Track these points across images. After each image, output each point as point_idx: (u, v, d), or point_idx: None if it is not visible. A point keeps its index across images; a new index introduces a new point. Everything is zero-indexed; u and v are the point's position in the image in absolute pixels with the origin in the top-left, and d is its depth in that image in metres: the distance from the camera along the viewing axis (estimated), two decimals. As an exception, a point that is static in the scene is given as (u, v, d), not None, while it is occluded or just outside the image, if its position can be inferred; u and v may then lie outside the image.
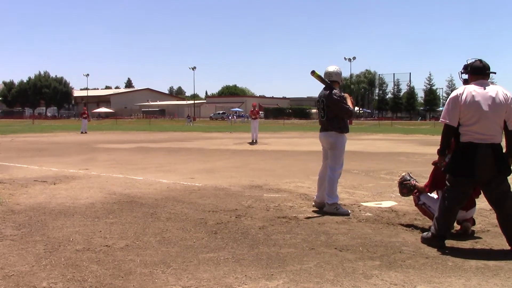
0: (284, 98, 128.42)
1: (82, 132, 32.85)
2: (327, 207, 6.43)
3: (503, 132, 4.74)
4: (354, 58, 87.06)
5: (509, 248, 4.72)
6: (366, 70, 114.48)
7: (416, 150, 18.13)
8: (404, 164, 12.52)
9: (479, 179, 4.75)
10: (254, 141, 22.05)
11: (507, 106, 4.65)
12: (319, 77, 6.65)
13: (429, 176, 5.74)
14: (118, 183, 8.96)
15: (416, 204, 5.74)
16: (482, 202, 6.35)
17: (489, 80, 4.90)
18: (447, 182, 4.91)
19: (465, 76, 4.97)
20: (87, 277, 3.87)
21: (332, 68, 6.88)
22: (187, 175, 10.26)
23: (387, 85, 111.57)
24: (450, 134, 4.81)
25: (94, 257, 4.38)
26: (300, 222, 5.85)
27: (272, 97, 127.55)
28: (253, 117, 22.94)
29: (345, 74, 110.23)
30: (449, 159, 4.90)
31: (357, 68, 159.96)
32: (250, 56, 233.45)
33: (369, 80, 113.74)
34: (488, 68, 4.84)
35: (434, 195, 5.62)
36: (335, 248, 4.73)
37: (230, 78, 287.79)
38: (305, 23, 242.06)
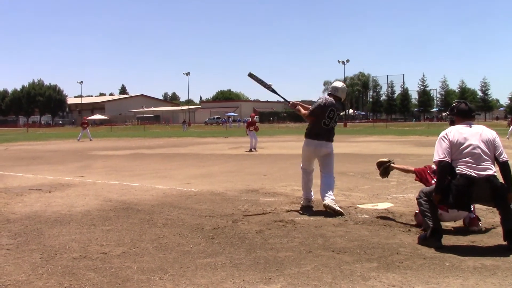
0: (278, 102, 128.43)
1: (78, 140, 32.81)
2: (329, 201, 6.49)
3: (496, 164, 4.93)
4: (347, 60, 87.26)
5: (505, 243, 4.78)
6: (360, 72, 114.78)
7: (411, 151, 18.19)
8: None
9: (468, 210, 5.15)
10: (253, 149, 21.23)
11: (493, 141, 4.92)
12: (256, 79, 7.14)
13: (421, 168, 5.90)
14: (114, 190, 8.94)
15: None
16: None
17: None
18: (433, 199, 4.98)
19: (452, 118, 5.25)
20: (84, 285, 3.85)
21: (339, 84, 7.06)
22: (183, 180, 10.24)
23: (381, 87, 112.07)
24: (445, 170, 4.89)
25: (91, 265, 4.36)
26: (297, 225, 5.85)
27: (267, 101, 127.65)
28: (251, 128, 21.84)
29: (339, 76, 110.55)
30: (444, 191, 4.92)
31: (351, 71, 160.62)
32: (244, 61, 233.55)
33: (363, 83, 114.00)
34: (474, 110, 5.22)
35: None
36: (333, 251, 4.72)
37: (225, 83, 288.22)
38: (298, 27, 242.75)
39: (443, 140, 4.97)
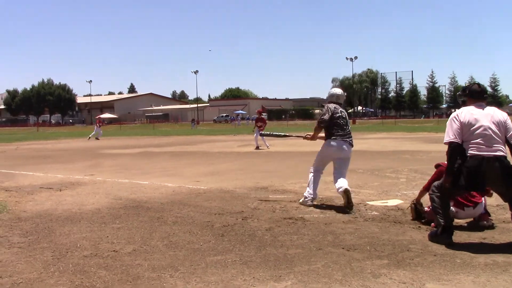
0: (287, 99, 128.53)
1: (96, 138, 33.02)
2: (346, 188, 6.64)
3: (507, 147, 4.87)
4: (355, 57, 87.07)
5: None
6: (368, 69, 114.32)
7: (421, 148, 18.10)
8: (409, 162, 12.48)
9: (496, 192, 4.96)
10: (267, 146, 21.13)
11: (505, 123, 4.87)
12: (270, 135, 8.20)
13: (428, 179, 5.83)
14: (124, 188, 8.98)
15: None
16: (489, 199, 6.33)
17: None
18: (444, 184, 4.93)
19: (464, 99, 5.14)
20: (96, 282, 3.87)
21: (339, 91, 7.37)
22: (192, 178, 10.27)
23: (389, 83, 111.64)
24: (456, 152, 4.84)
25: (102, 263, 4.39)
26: (307, 222, 5.84)
27: (275, 99, 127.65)
28: (259, 124, 21.65)
29: (347, 73, 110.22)
30: (456, 173, 4.85)
31: (359, 68, 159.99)
32: (252, 58, 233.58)
33: (372, 79, 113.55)
34: (486, 91, 5.12)
35: None
36: (343, 248, 4.72)
37: (233, 80, 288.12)
38: (306, 24, 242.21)
39: (454, 121, 4.89)
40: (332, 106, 7.05)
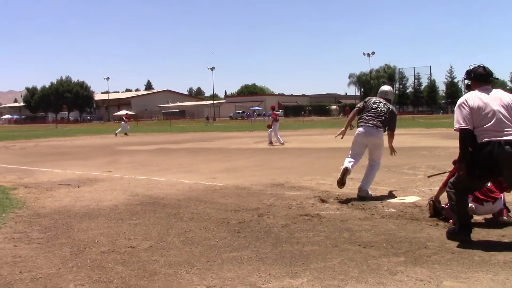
0: (303, 95, 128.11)
1: (125, 134, 33.58)
2: (364, 192, 7.22)
3: None
4: (373, 53, 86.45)
5: None
6: (386, 64, 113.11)
7: (439, 144, 17.90)
8: (427, 159, 12.35)
9: (506, 178, 4.76)
10: (281, 142, 21.13)
11: None
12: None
13: (447, 176, 5.76)
14: (141, 184, 9.04)
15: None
16: (508, 195, 6.24)
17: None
18: (459, 178, 4.84)
19: (468, 82, 5.00)
20: (113, 278, 3.91)
21: (388, 88, 8.02)
22: (208, 175, 10.30)
23: (407, 79, 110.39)
24: (467, 138, 4.74)
25: (119, 259, 4.43)
26: (323, 219, 5.83)
27: (291, 95, 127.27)
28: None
29: (364, 69, 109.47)
30: (469, 163, 4.75)
31: (376, 63, 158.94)
32: (269, 55, 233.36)
33: (389, 75, 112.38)
34: (491, 74, 4.92)
35: None
36: (359, 245, 4.69)
37: (249, 77, 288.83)
38: (323, 19, 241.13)
39: (463, 107, 4.75)
40: (373, 99, 7.66)
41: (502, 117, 4.67)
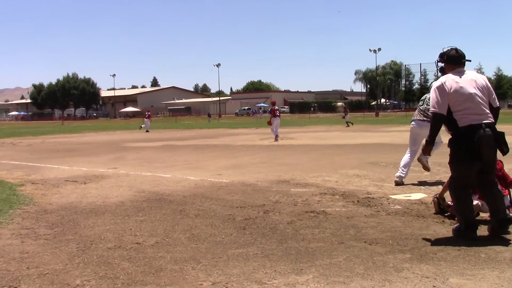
0: (309, 92, 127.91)
1: (146, 131, 33.96)
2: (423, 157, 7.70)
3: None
4: (379, 49, 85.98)
5: None
6: (392, 61, 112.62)
7: (445, 141, 17.80)
8: (433, 156, 12.27)
9: (484, 160, 4.74)
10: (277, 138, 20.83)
11: (487, 87, 4.88)
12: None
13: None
14: (147, 181, 9.07)
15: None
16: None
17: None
18: (452, 172, 4.95)
19: (441, 65, 5.07)
20: (119, 274, 3.93)
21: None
22: (214, 171, 10.31)
23: (413, 75, 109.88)
24: (440, 123, 4.89)
25: (125, 255, 4.45)
26: (328, 216, 5.82)
27: (297, 91, 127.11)
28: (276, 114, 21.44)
29: (371, 65, 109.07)
30: (452, 148, 4.87)
31: (383, 60, 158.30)
32: (274, 51, 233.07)
33: (395, 71, 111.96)
34: (464, 57, 4.98)
35: None
36: (365, 242, 4.69)
37: (255, 73, 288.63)
38: (329, 15, 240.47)
39: (440, 91, 4.81)
40: (428, 95, 8.08)
41: (479, 99, 4.76)
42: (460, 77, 4.83)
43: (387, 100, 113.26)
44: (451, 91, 4.76)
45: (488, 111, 4.79)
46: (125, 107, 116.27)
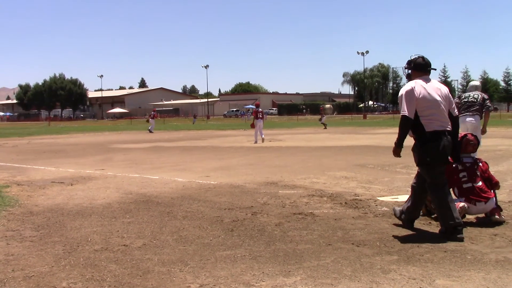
0: (297, 94, 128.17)
1: (150, 131, 34.00)
2: None
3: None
4: (367, 52, 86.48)
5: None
6: (380, 63, 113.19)
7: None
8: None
9: (447, 162, 5.14)
10: (262, 140, 20.63)
11: (449, 96, 5.17)
12: None
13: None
14: (134, 182, 9.02)
15: None
16: (500, 194, 6.30)
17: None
18: (425, 176, 5.13)
19: (409, 72, 5.30)
20: (106, 276, 3.90)
21: (475, 83, 9.83)
22: (202, 173, 10.29)
23: (401, 78, 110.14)
24: (408, 126, 5.06)
25: (112, 257, 4.42)
26: (316, 218, 5.84)
27: (286, 93, 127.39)
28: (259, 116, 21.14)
29: (358, 68, 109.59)
30: (418, 152, 5.08)
31: (370, 62, 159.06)
32: (263, 53, 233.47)
33: (383, 74, 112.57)
34: (430, 65, 5.25)
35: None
36: (352, 244, 4.71)
37: (243, 75, 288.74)
38: (317, 18, 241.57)
39: (410, 95, 4.99)
40: (466, 93, 9.59)
41: (443, 107, 5.03)
42: (428, 84, 5.08)
43: (374, 103, 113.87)
44: (420, 96, 4.98)
45: (447, 118, 5.08)
46: (112, 108, 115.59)
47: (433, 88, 5.08)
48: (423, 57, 5.25)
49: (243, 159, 13.55)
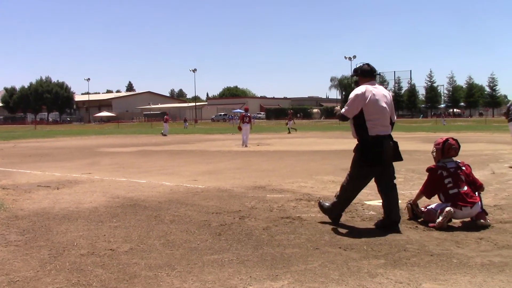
0: (285, 98, 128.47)
1: (163, 135, 34.27)
2: None
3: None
4: (354, 56, 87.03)
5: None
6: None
7: (419, 148, 18.12)
8: (407, 162, 12.44)
9: (386, 166, 5.52)
10: (245, 145, 20.80)
11: (392, 103, 5.60)
12: None
13: (424, 183, 5.90)
14: (121, 186, 8.97)
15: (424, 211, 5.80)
16: (486, 199, 6.36)
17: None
18: (353, 173, 5.56)
19: (356, 79, 5.72)
20: (92, 281, 3.87)
21: None
22: (189, 177, 10.26)
23: (388, 83, 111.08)
24: (344, 120, 5.63)
25: (98, 261, 4.38)
26: (304, 222, 5.85)
27: (273, 98, 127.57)
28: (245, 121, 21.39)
29: (346, 73, 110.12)
30: (358, 153, 5.51)
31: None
32: (251, 57, 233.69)
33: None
34: (375, 70, 5.71)
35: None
36: (340, 248, 4.72)
37: (231, 79, 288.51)
38: (304, 22, 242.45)
39: (360, 98, 5.38)
40: None
41: (387, 113, 5.47)
42: (376, 90, 5.47)
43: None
44: (368, 101, 5.36)
45: (389, 125, 5.55)
46: (99, 111, 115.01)
47: (381, 95, 5.45)
48: (368, 64, 5.69)
49: (231, 163, 13.54)
